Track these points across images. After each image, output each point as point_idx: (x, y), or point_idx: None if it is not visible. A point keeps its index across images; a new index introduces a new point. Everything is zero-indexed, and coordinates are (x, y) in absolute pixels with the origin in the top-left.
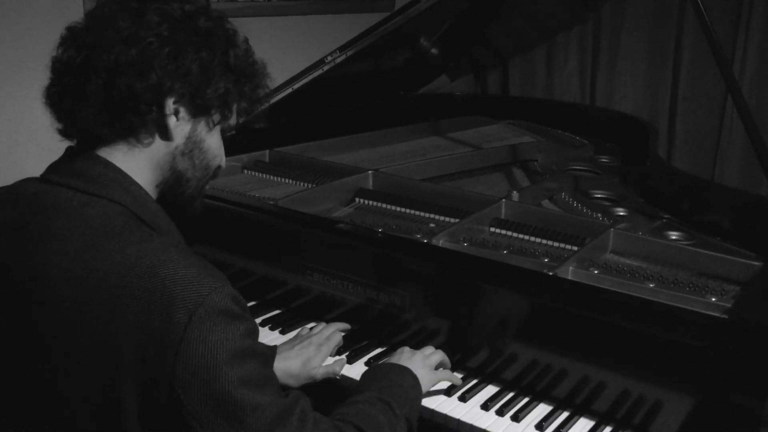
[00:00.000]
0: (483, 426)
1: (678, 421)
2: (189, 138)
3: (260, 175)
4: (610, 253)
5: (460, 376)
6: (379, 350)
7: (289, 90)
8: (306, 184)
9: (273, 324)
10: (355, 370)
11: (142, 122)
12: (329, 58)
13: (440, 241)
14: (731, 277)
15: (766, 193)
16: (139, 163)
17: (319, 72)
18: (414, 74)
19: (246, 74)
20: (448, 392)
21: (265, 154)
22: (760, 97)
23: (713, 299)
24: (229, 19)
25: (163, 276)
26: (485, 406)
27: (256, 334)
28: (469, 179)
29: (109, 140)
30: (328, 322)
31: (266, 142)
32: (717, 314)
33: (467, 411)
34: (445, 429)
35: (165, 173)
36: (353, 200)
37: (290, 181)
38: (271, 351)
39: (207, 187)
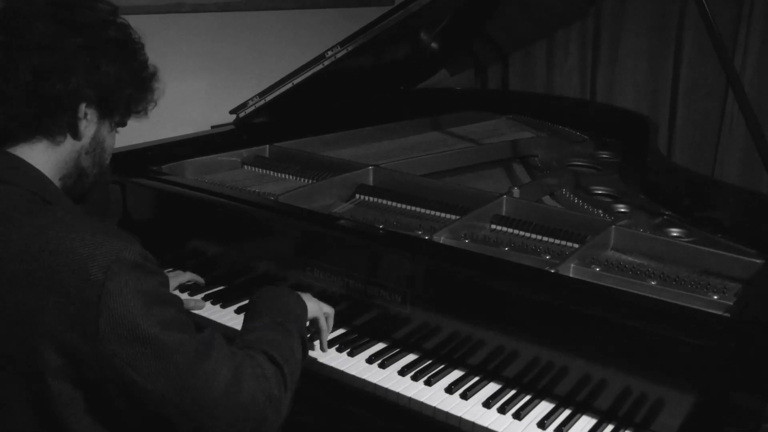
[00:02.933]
0: (485, 424)
1: (679, 419)
2: (93, 138)
3: (260, 170)
4: (611, 250)
5: (460, 373)
6: (380, 346)
7: (289, 85)
8: (306, 180)
9: None
10: (357, 367)
11: (56, 123)
12: (330, 53)
13: (441, 238)
14: (733, 275)
15: (766, 189)
16: (47, 158)
17: (320, 67)
18: (414, 69)
19: (145, 79)
20: (450, 390)
21: (265, 149)
22: (761, 91)
23: (715, 297)
24: (235, 12)
25: (72, 240)
26: (487, 404)
27: (168, 286)
28: (470, 175)
29: (22, 138)
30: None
31: (266, 137)
32: (719, 312)
33: (469, 409)
34: (447, 427)
35: (69, 169)
36: (354, 196)
37: (290, 176)
38: (181, 300)
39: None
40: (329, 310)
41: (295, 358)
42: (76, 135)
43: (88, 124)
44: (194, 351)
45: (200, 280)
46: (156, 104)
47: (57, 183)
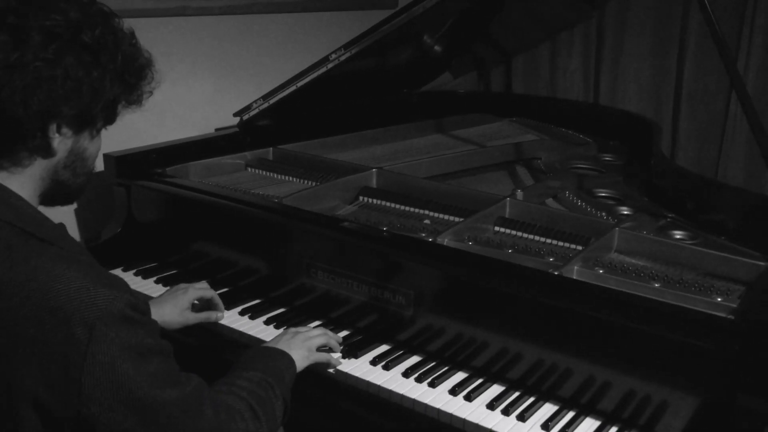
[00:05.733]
0: (489, 425)
1: (683, 422)
2: (71, 151)
3: (264, 172)
4: (615, 252)
5: (464, 374)
6: (384, 347)
7: (293, 88)
8: (310, 182)
9: (277, 323)
10: (361, 369)
11: (24, 148)
12: (333, 56)
13: (445, 240)
14: (737, 277)
15: None
16: (19, 179)
17: (323, 70)
18: (417, 71)
19: (134, 74)
20: (454, 391)
21: (269, 152)
22: (764, 94)
23: (719, 299)
24: (239, 15)
25: (56, 292)
26: (491, 406)
27: (157, 333)
28: (473, 177)
29: None
30: (333, 320)
31: (270, 140)
32: (723, 314)
33: (473, 410)
34: (451, 429)
35: (46, 184)
36: (357, 198)
37: (294, 179)
38: (170, 346)
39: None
40: (318, 340)
41: (276, 421)
42: (48, 154)
43: (63, 138)
44: (180, 409)
45: (207, 293)
46: (152, 94)
47: (36, 200)
